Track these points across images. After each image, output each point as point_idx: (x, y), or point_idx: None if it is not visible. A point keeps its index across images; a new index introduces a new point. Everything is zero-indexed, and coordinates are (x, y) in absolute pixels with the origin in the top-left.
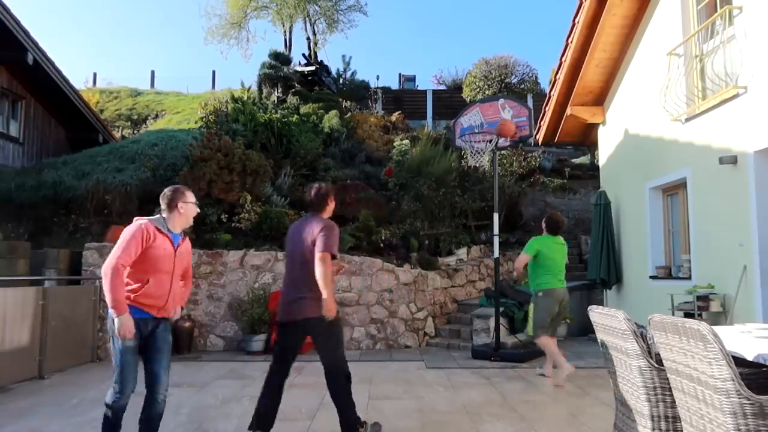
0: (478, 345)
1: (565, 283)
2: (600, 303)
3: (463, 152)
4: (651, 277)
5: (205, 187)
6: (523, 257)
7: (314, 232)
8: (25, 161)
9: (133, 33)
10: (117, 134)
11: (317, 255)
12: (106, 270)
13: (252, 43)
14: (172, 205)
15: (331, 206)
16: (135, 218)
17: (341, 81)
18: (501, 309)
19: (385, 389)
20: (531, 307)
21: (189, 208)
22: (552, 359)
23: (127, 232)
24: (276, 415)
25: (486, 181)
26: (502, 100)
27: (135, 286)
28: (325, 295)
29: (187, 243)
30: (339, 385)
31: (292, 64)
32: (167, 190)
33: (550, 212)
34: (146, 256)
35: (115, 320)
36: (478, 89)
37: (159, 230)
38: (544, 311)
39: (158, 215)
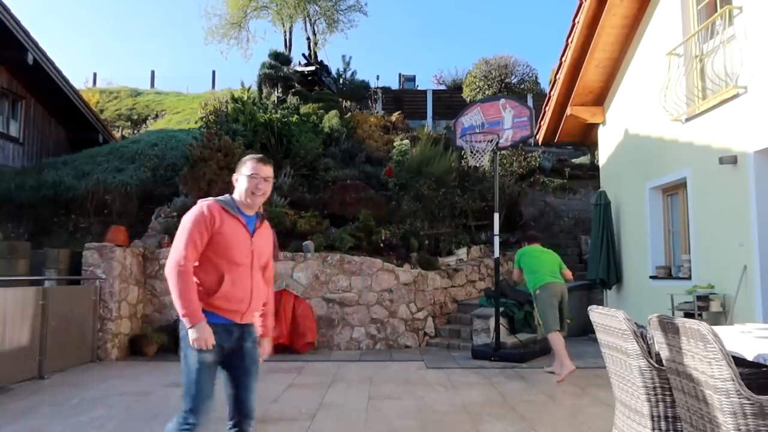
0: (478, 345)
1: (560, 279)
2: (600, 303)
3: (463, 152)
4: (651, 277)
5: (205, 187)
6: (516, 271)
7: None
8: (25, 161)
9: (133, 33)
10: (117, 134)
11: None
12: (169, 270)
13: (252, 43)
14: (233, 180)
15: None
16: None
17: (341, 81)
18: (501, 309)
19: (385, 389)
20: (535, 307)
21: (242, 181)
22: (560, 356)
23: (187, 218)
24: None
25: (486, 181)
26: (503, 100)
27: (209, 285)
28: None
29: (266, 228)
30: None
31: (292, 64)
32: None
33: (528, 233)
34: (214, 246)
35: (189, 331)
36: (478, 89)
37: (226, 211)
38: (547, 304)
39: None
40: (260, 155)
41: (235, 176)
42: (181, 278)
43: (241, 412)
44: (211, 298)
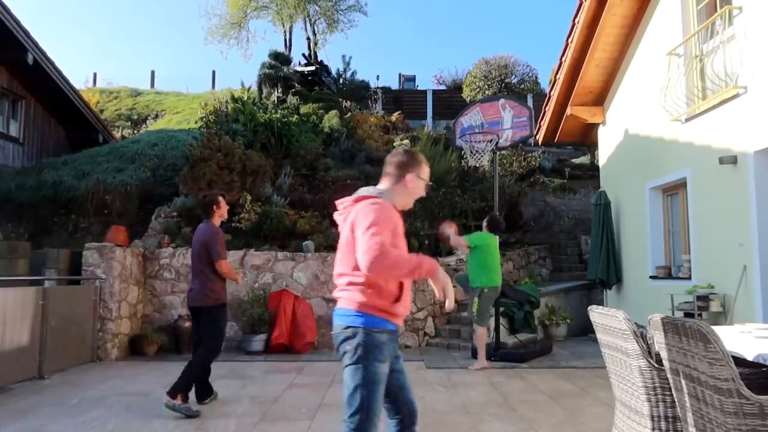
0: None
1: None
2: (600, 303)
3: (463, 152)
4: (651, 277)
5: (205, 187)
6: (463, 243)
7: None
8: (25, 161)
9: (133, 33)
10: (117, 134)
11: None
12: (374, 255)
13: (252, 43)
14: (400, 175)
15: (220, 212)
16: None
17: (341, 81)
18: (501, 309)
19: None
20: (477, 300)
21: (418, 186)
22: (482, 350)
23: (375, 211)
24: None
25: (486, 181)
26: (502, 100)
27: (391, 291)
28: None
29: None
30: (198, 363)
31: (292, 64)
32: (399, 153)
33: (493, 213)
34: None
35: (439, 275)
36: (478, 89)
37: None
38: (489, 303)
39: (375, 187)
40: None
41: (411, 176)
42: (390, 252)
43: (411, 411)
44: (394, 305)
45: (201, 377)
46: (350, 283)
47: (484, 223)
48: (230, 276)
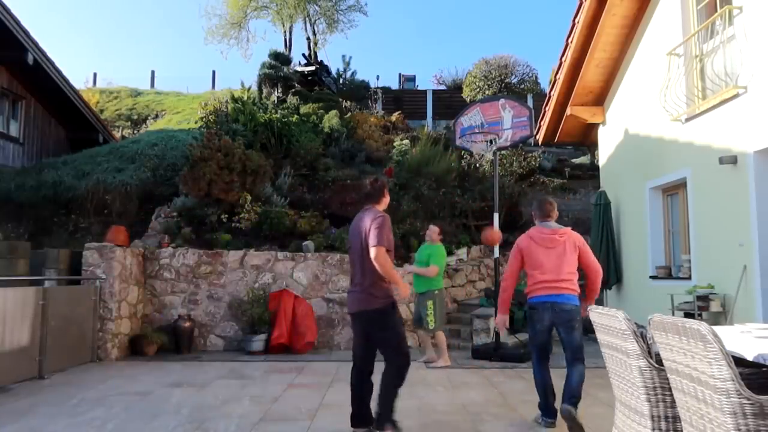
0: (478, 345)
1: None
2: (600, 303)
3: (463, 152)
4: (651, 277)
5: (205, 187)
6: (433, 269)
7: (368, 225)
8: (25, 161)
9: (133, 33)
10: (117, 134)
11: (371, 249)
12: (599, 268)
13: (252, 43)
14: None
15: (386, 199)
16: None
17: (341, 81)
18: None
19: None
20: (431, 303)
21: None
22: (444, 350)
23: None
24: (368, 408)
25: (486, 181)
26: (502, 100)
27: None
28: (394, 282)
29: None
30: (391, 381)
31: (292, 64)
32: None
33: (434, 225)
34: None
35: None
36: (478, 89)
37: None
38: (443, 304)
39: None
40: None
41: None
42: None
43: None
44: None
45: (357, 397)
46: (574, 281)
47: (439, 237)
48: (389, 271)
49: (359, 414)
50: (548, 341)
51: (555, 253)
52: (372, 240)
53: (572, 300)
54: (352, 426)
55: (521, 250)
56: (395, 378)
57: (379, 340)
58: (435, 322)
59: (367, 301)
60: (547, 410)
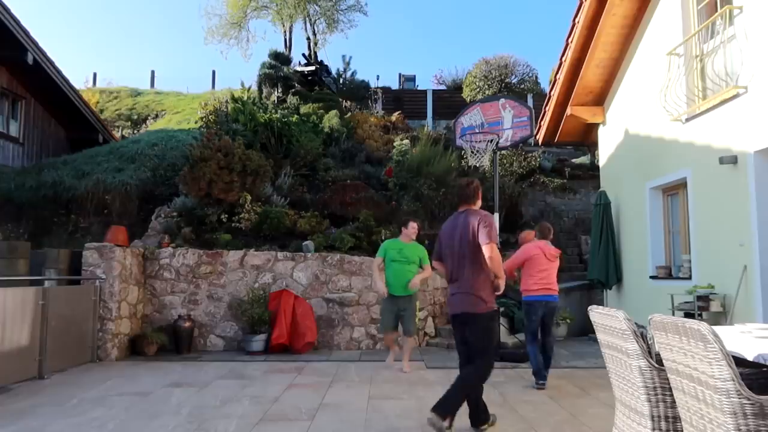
0: None
1: None
2: (600, 303)
3: (463, 152)
4: (651, 277)
5: (205, 187)
6: (428, 272)
7: (475, 223)
8: (25, 161)
9: (133, 33)
10: (117, 134)
11: (484, 247)
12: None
13: (252, 43)
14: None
15: (480, 201)
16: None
17: (341, 81)
18: (501, 309)
19: (386, 389)
20: (417, 305)
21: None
22: (409, 354)
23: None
24: (479, 407)
25: (486, 181)
26: (502, 100)
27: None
28: (500, 277)
29: None
30: (472, 379)
31: (292, 64)
32: None
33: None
34: None
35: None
36: (478, 89)
37: None
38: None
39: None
40: None
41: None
42: None
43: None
44: None
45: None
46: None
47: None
48: (499, 267)
49: (476, 411)
50: (539, 328)
51: (553, 265)
52: (485, 238)
53: (557, 298)
54: (472, 426)
55: (530, 256)
56: (476, 379)
57: (475, 342)
58: (414, 326)
59: (474, 304)
60: (539, 375)
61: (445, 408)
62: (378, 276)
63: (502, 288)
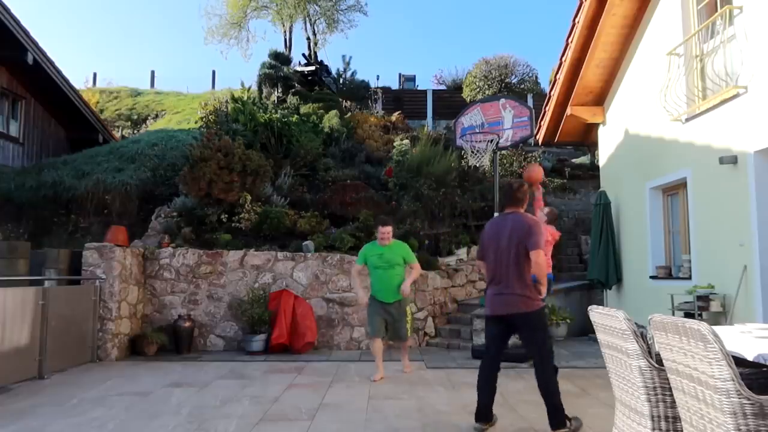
0: (478, 345)
1: None
2: (600, 303)
3: (463, 152)
4: (651, 277)
5: (205, 187)
6: (417, 271)
7: (524, 229)
8: (25, 161)
9: (133, 33)
10: (117, 134)
11: (533, 253)
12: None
13: (252, 43)
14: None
15: (526, 204)
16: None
17: (341, 81)
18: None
19: (385, 389)
20: (409, 309)
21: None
22: (407, 353)
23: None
24: (492, 405)
25: (486, 181)
26: (503, 100)
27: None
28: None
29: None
30: (549, 378)
31: (292, 64)
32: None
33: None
34: None
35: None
36: (478, 89)
37: None
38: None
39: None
40: None
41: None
42: None
43: None
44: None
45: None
46: None
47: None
48: (543, 272)
49: (487, 408)
50: None
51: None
52: (534, 244)
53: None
54: (476, 421)
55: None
56: (551, 371)
57: (531, 339)
58: (407, 330)
59: (525, 303)
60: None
61: (559, 420)
62: (357, 283)
63: (544, 293)
